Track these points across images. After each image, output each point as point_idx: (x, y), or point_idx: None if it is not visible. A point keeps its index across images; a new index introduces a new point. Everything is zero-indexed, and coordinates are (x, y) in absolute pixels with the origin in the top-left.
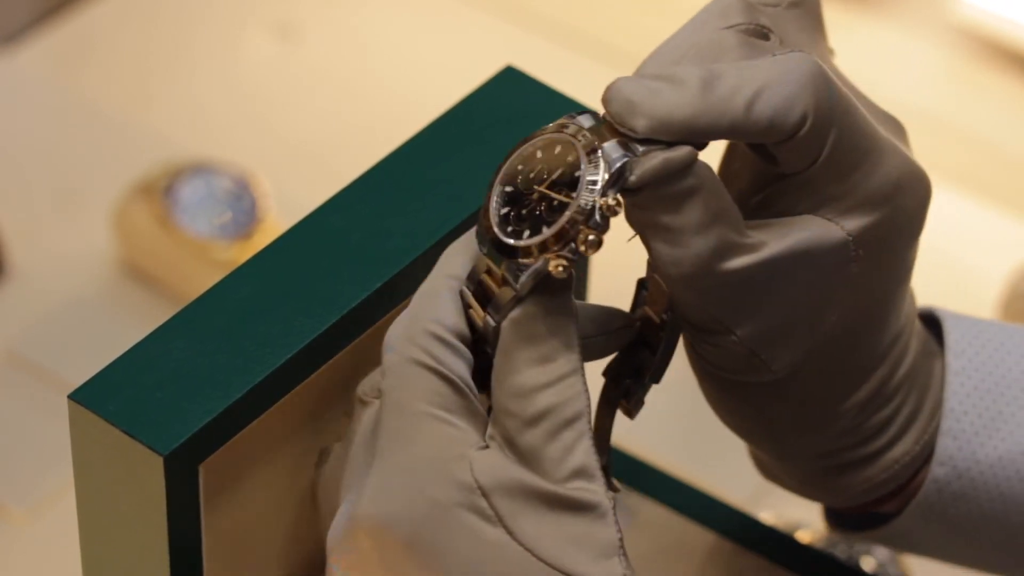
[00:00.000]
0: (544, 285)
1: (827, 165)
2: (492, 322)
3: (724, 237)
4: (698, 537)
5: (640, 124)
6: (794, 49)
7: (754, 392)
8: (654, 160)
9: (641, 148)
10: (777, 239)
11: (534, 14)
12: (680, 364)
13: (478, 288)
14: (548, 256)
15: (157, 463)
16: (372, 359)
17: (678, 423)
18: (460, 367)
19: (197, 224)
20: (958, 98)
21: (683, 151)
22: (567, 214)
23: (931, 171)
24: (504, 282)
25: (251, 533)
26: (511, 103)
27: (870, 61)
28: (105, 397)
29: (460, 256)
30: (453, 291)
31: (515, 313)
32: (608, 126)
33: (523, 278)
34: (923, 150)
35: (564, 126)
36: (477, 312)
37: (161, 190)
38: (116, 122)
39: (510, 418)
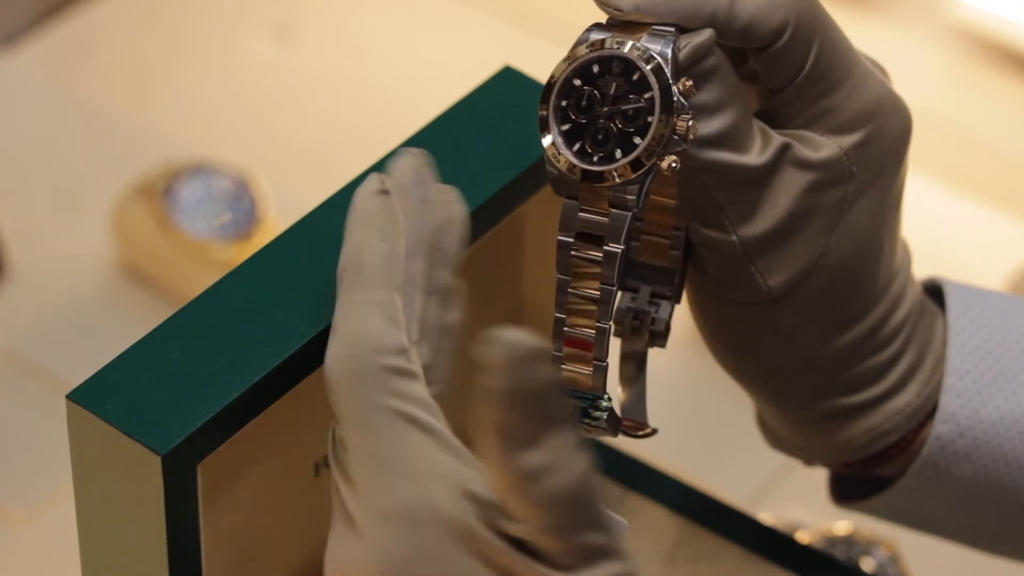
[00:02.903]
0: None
1: (810, 79)
2: (615, 249)
3: (738, 116)
4: (698, 537)
5: (626, 3)
6: None
7: (750, 318)
8: (698, 37)
9: (670, 33)
10: (778, 138)
11: (532, 14)
12: (680, 366)
13: (579, 240)
14: (656, 159)
15: (155, 463)
16: None
17: (678, 424)
18: (416, 391)
19: (196, 225)
20: (956, 98)
21: (707, 32)
22: (657, 109)
23: (930, 171)
24: (613, 206)
25: (249, 532)
26: (509, 103)
27: None
28: (103, 397)
29: (371, 264)
30: (376, 306)
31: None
32: (621, 28)
33: (637, 188)
34: (922, 150)
35: (586, 46)
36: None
37: (160, 191)
38: (115, 123)
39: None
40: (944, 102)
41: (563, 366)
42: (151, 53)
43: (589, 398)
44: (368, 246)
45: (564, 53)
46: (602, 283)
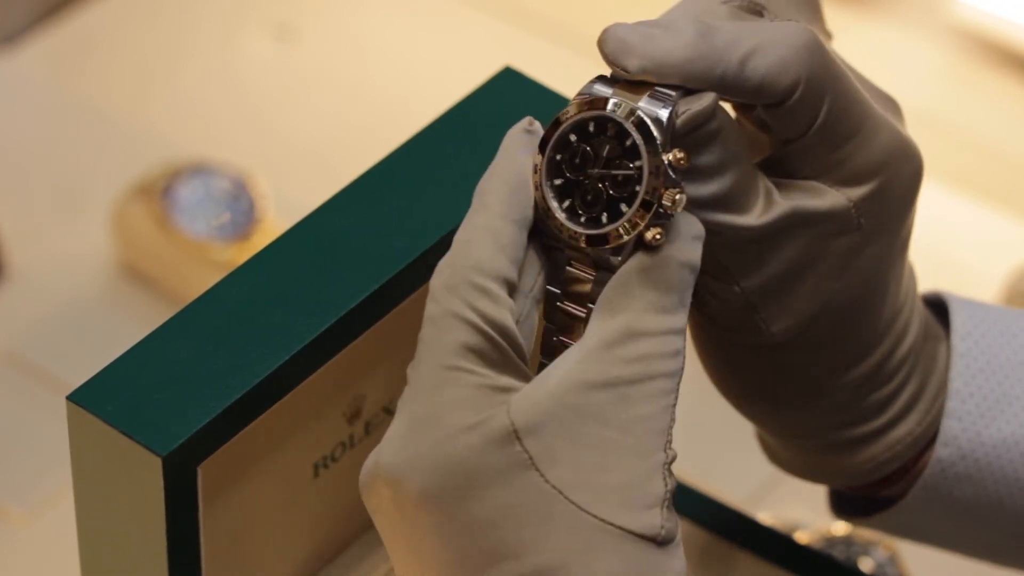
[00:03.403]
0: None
1: (822, 132)
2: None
3: (738, 178)
4: (698, 537)
5: (633, 64)
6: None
7: (753, 358)
8: (698, 104)
9: (671, 97)
10: (784, 194)
11: (533, 15)
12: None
13: (563, 296)
14: (640, 230)
15: (156, 464)
16: (371, 360)
17: (678, 424)
18: (502, 315)
19: (195, 225)
20: (957, 98)
21: (709, 96)
22: (644, 182)
23: (930, 171)
24: (598, 267)
25: (250, 534)
26: (510, 104)
27: (869, 61)
28: (104, 398)
29: (496, 192)
30: (490, 231)
31: (643, 257)
32: (624, 85)
33: (621, 256)
34: (922, 150)
35: (586, 103)
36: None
37: (160, 191)
38: (115, 123)
39: (606, 350)
40: (944, 102)
41: (554, 338)
42: (151, 53)
43: None
44: (500, 175)
45: (564, 53)
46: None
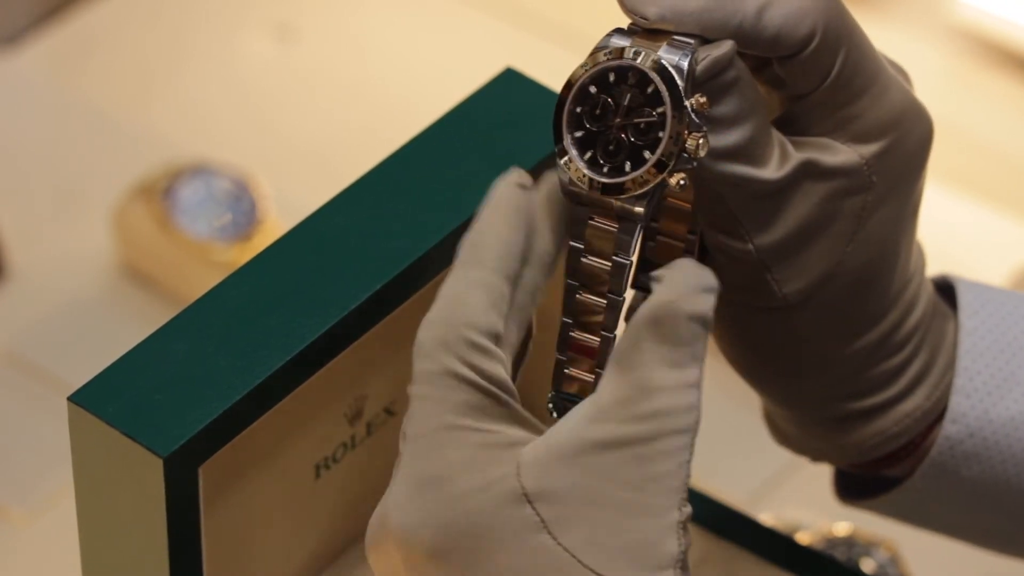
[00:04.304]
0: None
1: (835, 86)
2: (624, 260)
3: (756, 129)
4: (698, 538)
5: (652, 11)
6: None
7: (763, 322)
8: (718, 50)
9: (689, 44)
10: (798, 151)
11: (534, 16)
12: None
13: (587, 251)
14: (664, 175)
15: (157, 465)
16: (373, 361)
17: None
18: (497, 371)
19: (196, 225)
20: (957, 99)
21: (728, 44)
22: (668, 127)
23: (930, 172)
24: (621, 219)
25: (251, 535)
26: (511, 105)
27: None
28: (105, 399)
29: (491, 248)
30: (483, 286)
31: (654, 307)
32: (642, 35)
33: (645, 205)
34: None
35: (605, 52)
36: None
37: (161, 191)
38: (116, 123)
39: (619, 407)
40: (944, 103)
41: (566, 370)
42: (151, 53)
43: None
44: (491, 230)
45: (565, 54)
46: (610, 292)
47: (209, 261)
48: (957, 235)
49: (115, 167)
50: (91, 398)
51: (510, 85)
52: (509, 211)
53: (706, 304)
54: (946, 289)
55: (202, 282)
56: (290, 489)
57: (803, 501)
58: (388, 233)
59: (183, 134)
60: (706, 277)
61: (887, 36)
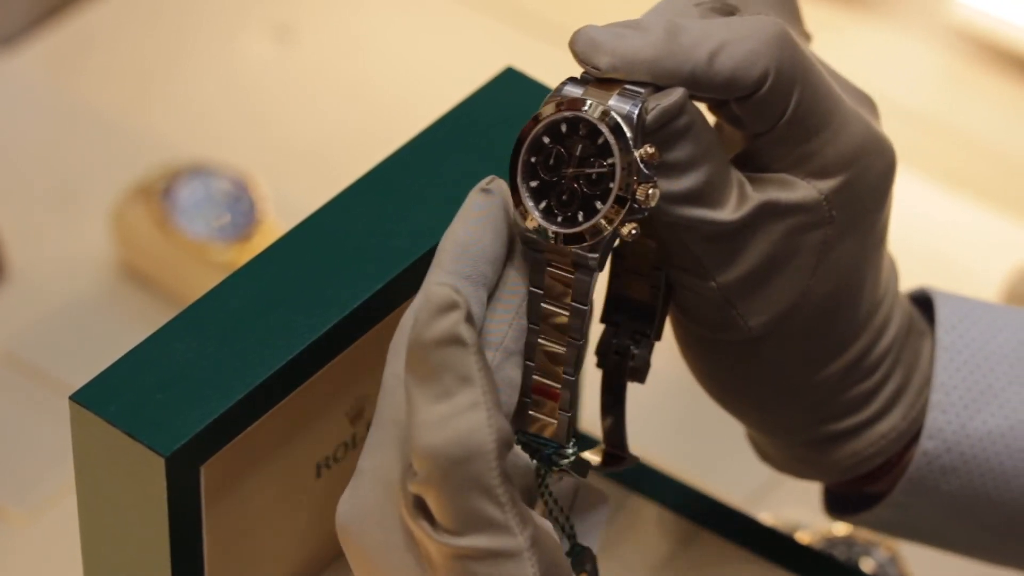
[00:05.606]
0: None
1: (792, 124)
2: (582, 307)
3: (711, 172)
4: (698, 538)
5: (603, 61)
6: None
7: (732, 354)
8: (667, 99)
9: (640, 94)
10: (756, 188)
11: (534, 16)
12: (679, 367)
13: (545, 296)
14: (616, 226)
15: (159, 464)
16: (372, 361)
17: (678, 424)
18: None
19: (195, 226)
20: (955, 99)
21: (679, 91)
22: (617, 179)
23: (929, 172)
24: (577, 267)
25: (253, 533)
26: (511, 105)
27: (866, 62)
28: (107, 398)
29: (447, 250)
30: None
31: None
32: (595, 84)
33: (598, 254)
34: (920, 151)
35: (558, 104)
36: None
37: (159, 192)
38: (114, 124)
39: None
40: (943, 103)
41: (530, 412)
42: (151, 54)
43: (555, 446)
44: (450, 236)
45: (565, 55)
46: (570, 337)
47: (208, 261)
48: (955, 235)
49: (114, 167)
50: (93, 398)
51: (510, 85)
52: (467, 215)
53: (447, 322)
54: (923, 301)
55: (201, 282)
56: (291, 488)
57: (803, 501)
58: (388, 233)
59: (182, 135)
60: (438, 294)
61: (886, 36)
